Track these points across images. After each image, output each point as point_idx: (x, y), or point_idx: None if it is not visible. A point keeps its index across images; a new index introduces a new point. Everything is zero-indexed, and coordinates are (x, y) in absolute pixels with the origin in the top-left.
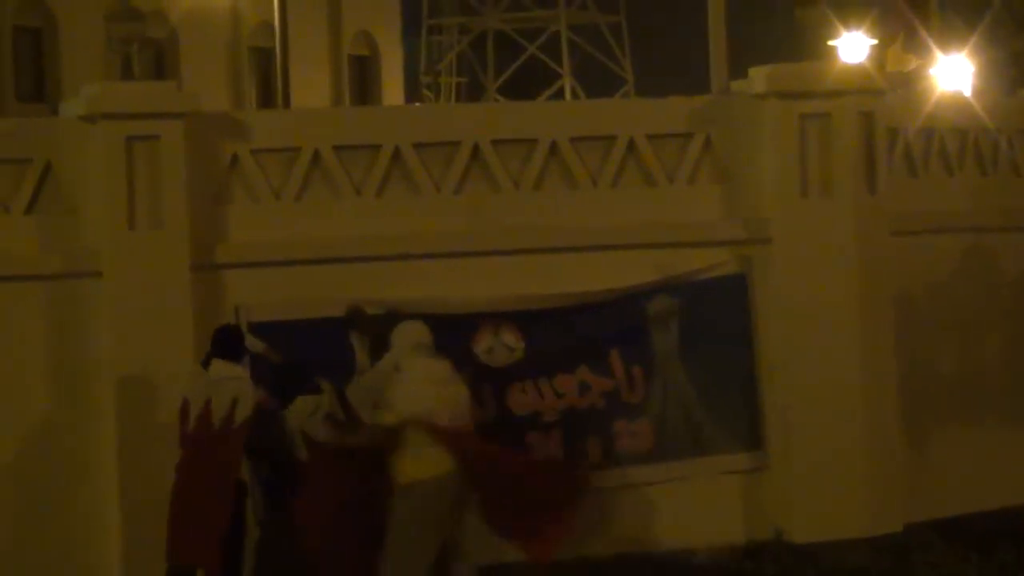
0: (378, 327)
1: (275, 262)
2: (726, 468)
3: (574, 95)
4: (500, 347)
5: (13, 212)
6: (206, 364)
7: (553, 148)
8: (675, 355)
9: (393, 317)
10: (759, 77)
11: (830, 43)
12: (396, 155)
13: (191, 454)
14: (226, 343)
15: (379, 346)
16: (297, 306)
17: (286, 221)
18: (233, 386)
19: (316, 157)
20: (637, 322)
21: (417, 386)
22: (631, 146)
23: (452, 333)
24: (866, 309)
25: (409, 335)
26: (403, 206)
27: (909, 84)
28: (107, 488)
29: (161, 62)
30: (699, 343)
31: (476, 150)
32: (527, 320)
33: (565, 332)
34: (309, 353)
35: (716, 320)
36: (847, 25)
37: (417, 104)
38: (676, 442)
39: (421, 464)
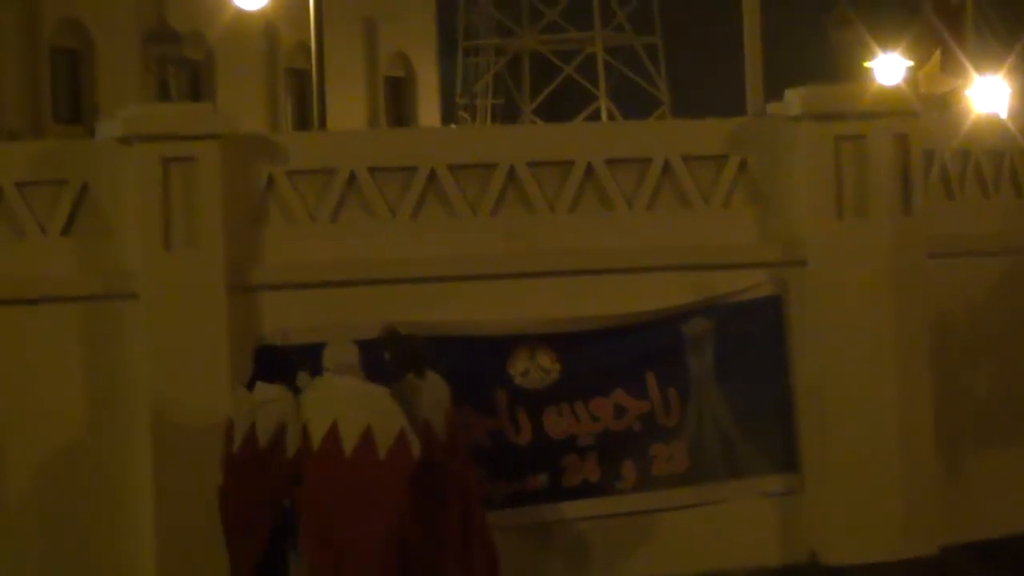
0: (412, 348)
1: (310, 283)
2: (761, 490)
3: (610, 116)
4: (536, 369)
5: (50, 233)
6: (251, 385)
7: (589, 170)
8: (711, 377)
9: (426, 340)
10: (794, 99)
11: (866, 64)
12: (432, 177)
13: (234, 478)
14: (270, 363)
15: (411, 367)
16: (332, 328)
17: (322, 243)
18: (278, 409)
19: (352, 179)
20: (673, 344)
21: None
22: (667, 168)
23: (487, 355)
24: (902, 331)
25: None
26: (439, 228)
27: (945, 106)
28: (142, 509)
29: (197, 83)
30: (735, 365)
31: (512, 172)
32: (563, 343)
33: (601, 355)
34: None
35: (752, 342)
36: (882, 46)
37: (453, 126)
38: (711, 464)
39: None
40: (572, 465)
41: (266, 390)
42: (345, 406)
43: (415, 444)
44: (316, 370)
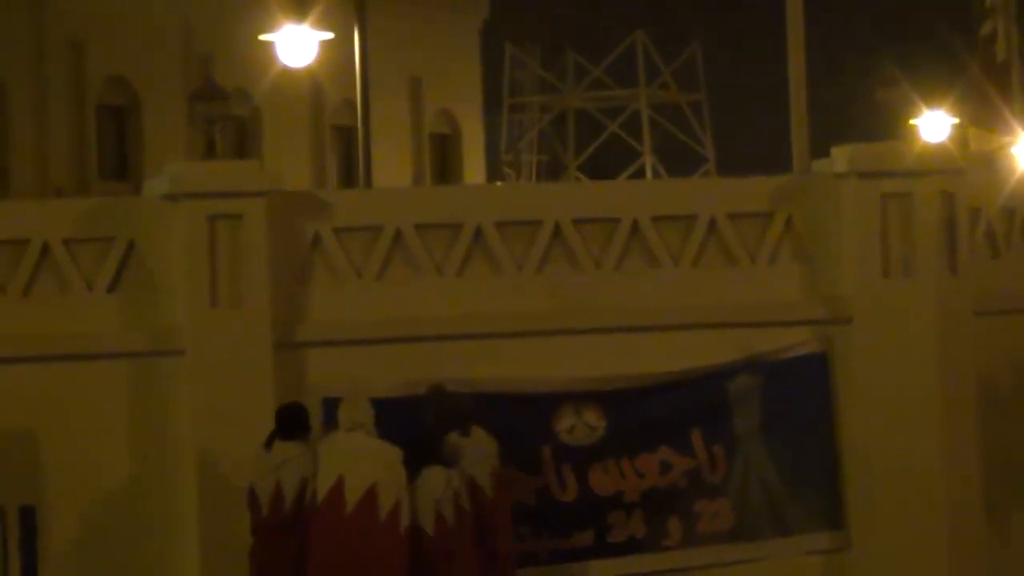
0: (451, 405)
1: (356, 340)
2: (807, 548)
3: (655, 173)
4: (582, 426)
5: (96, 290)
6: (268, 445)
7: (634, 227)
8: (756, 434)
9: (469, 397)
10: (840, 156)
11: (911, 122)
12: (478, 234)
13: (265, 542)
14: (289, 421)
15: (455, 425)
16: (379, 385)
17: (368, 300)
18: (298, 465)
19: (398, 236)
20: (718, 401)
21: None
22: (712, 225)
23: (533, 412)
24: (948, 389)
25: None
26: (484, 285)
27: (991, 163)
28: (188, 565)
29: (243, 140)
30: (780, 422)
31: (557, 229)
32: (608, 399)
33: (646, 411)
34: (390, 431)
35: (797, 399)
36: (928, 104)
37: (498, 183)
38: (757, 522)
39: None
40: (618, 522)
41: (286, 448)
42: (353, 462)
43: (405, 516)
44: (455, 426)
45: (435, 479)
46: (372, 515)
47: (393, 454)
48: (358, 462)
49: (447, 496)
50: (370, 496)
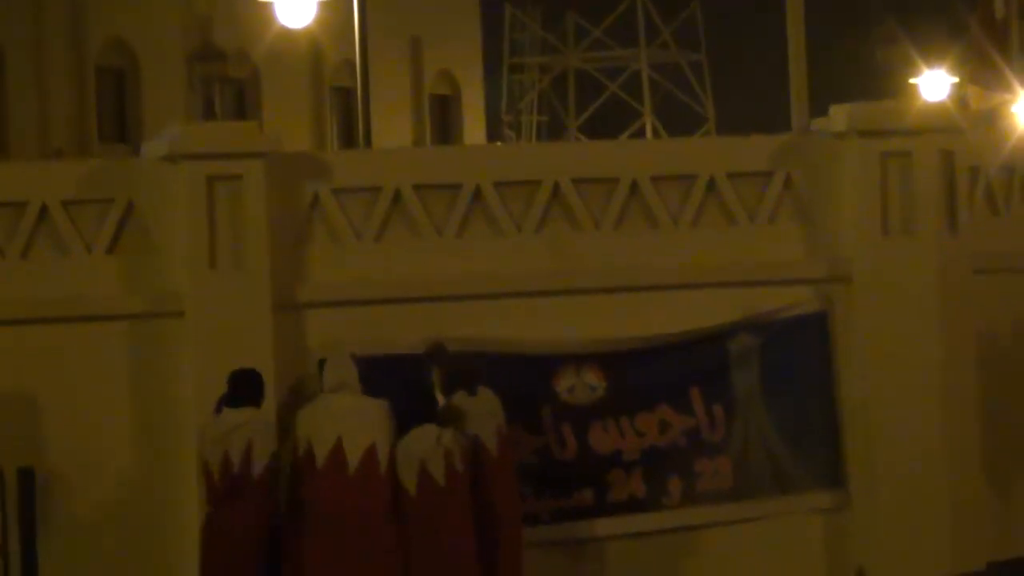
0: (457, 364)
1: (356, 301)
2: (808, 507)
3: (655, 134)
4: (582, 386)
5: (95, 252)
6: (218, 411)
7: (634, 187)
8: (756, 393)
9: (476, 357)
10: (840, 116)
11: (911, 81)
12: (477, 194)
13: (218, 510)
14: (240, 388)
15: (461, 384)
16: (378, 345)
17: (367, 261)
18: (246, 432)
19: (397, 197)
20: (718, 361)
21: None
22: (712, 185)
23: (533, 372)
24: (948, 347)
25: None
26: (484, 245)
27: (991, 122)
28: (190, 528)
29: (243, 102)
30: (781, 382)
31: (557, 189)
32: (609, 360)
33: (646, 371)
34: (388, 389)
35: (797, 358)
36: (928, 63)
37: (497, 143)
38: (758, 481)
39: None
40: (618, 480)
41: (235, 415)
42: (346, 422)
43: (383, 462)
44: (455, 385)
45: (422, 437)
46: (374, 473)
47: (381, 409)
48: (350, 422)
49: (436, 455)
50: (370, 454)
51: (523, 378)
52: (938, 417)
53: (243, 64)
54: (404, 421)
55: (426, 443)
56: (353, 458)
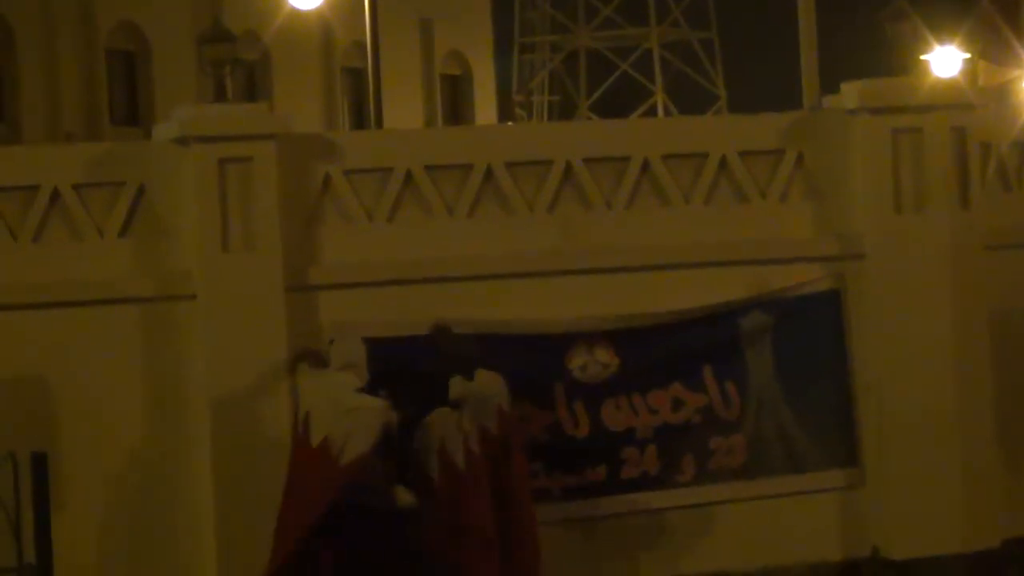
0: (463, 346)
1: (368, 283)
2: (821, 485)
3: (666, 112)
4: (594, 364)
5: (107, 235)
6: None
7: (645, 166)
8: (769, 371)
9: (475, 340)
10: (851, 92)
11: (922, 57)
12: (488, 174)
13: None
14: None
15: (458, 369)
16: (390, 326)
17: (379, 241)
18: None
19: (408, 177)
20: (731, 338)
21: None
22: (723, 163)
23: (545, 351)
24: (960, 324)
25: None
26: (495, 225)
27: (1002, 98)
28: (202, 508)
29: (254, 83)
30: (793, 359)
31: (568, 169)
32: (621, 337)
33: (659, 348)
34: (400, 370)
35: (810, 336)
36: (939, 39)
37: (509, 123)
38: (771, 459)
39: None
40: (631, 458)
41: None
42: (352, 418)
43: (345, 451)
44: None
45: (441, 422)
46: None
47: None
48: (353, 417)
49: (455, 440)
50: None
51: (535, 357)
52: (951, 394)
53: (253, 46)
54: (416, 402)
55: (446, 427)
56: (350, 454)
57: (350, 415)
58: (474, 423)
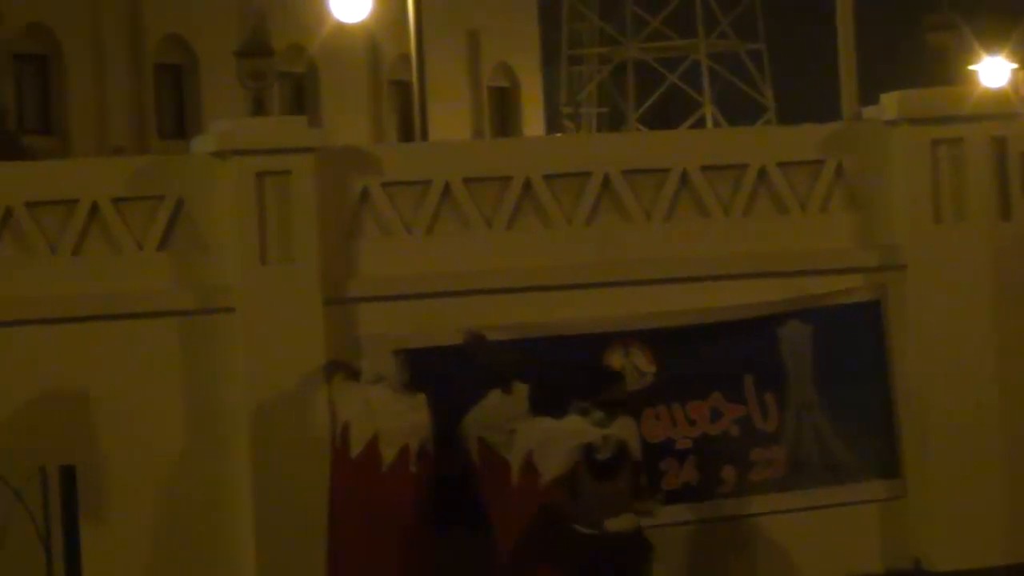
0: (497, 355)
1: (406, 295)
2: (863, 497)
3: (715, 123)
4: (632, 371)
5: (146, 249)
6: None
7: (684, 177)
8: (809, 382)
9: (516, 349)
10: (890, 103)
11: (970, 68)
12: (527, 187)
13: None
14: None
15: (496, 382)
16: (427, 337)
17: (417, 254)
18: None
19: (446, 190)
20: (770, 348)
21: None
22: (762, 174)
23: (582, 353)
24: (1002, 334)
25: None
26: (534, 238)
27: None
28: (243, 522)
29: (301, 97)
30: (834, 370)
31: (607, 181)
32: (658, 341)
33: (697, 358)
34: (439, 381)
35: (851, 347)
36: (988, 50)
37: (545, 135)
38: (811, 470)
39: None
40: (671, 469)
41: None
42: (386, 421)
43: (414, 461)
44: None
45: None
46: (406, 471)
47: (417, 408)
48: (388, 420)
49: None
50: (403, 454)
51: (572, 359)
52: (993, 405)
53: (296, 59)
54: (456, 412)
55: (530, 437)
56: (388, 456)
57: (547, 437)
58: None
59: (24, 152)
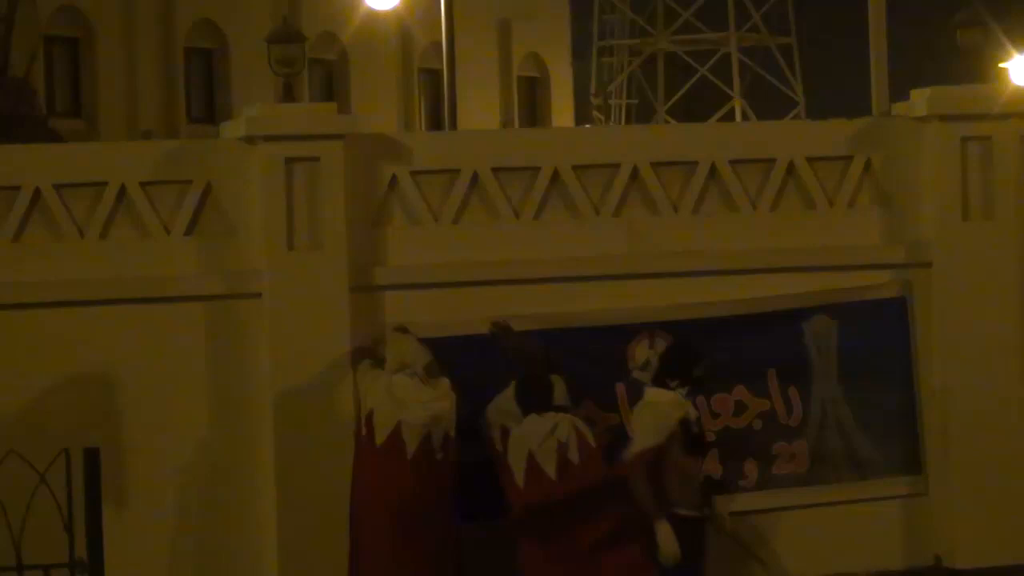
0: (523, 345)
1: (433, 284)
2: (884, 493)
3: (744, 117)
4: (656, 361)
5: (173, 234)
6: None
7: (712, 171)
8: (833, 377)
9: (540, 335)
10: (920, 100)
11: (1001, 65)
12: (555, 177)
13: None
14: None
15: (525, 363)
16: (453, 326)
17: (445, 243)
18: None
19: (475, 179)
20: (794, 342)
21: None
22: (791, 169)
23: (608, 344)
24: None
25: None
26: (561, 229)
27: None
28: (266, 505)
29: (331, 84)
30: (859, 366)
31: (635, 172)
32: (683, 332)
33: (722, 349)
34: (466, 370)
35: (876, 343)
36: (1016, 47)
37: (574, 126)
38: (834, 465)
39: None
40: (693, 462)
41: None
42: (409, 409)
43: (439, 449)
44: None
45: (535, 428)
46: (431, 459)
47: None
48: (410, 408)
49: (547, 447)
50: (426, 441)
51: (597, 352)
52: (1017, 401)
53: (327, 46)
54: (484, 401)
55: (538, 433)
56: (412, 444)
57: (644, 408)
58: (576, 428)
59: (53, 135)
